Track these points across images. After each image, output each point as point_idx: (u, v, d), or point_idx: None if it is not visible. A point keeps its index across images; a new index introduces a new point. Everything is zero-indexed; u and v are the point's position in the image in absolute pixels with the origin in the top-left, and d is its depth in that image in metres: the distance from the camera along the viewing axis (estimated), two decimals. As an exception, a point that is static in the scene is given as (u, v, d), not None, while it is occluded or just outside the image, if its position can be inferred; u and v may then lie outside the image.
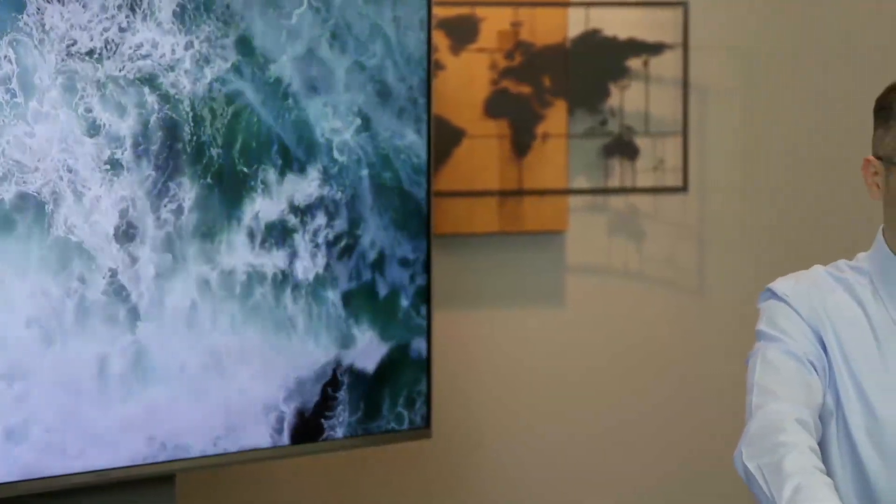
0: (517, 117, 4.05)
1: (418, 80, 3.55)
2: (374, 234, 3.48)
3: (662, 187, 4.16)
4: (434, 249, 3.79)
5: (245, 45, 3.22)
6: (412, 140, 3.55)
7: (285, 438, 3.32)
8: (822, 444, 2.25)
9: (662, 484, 4.21)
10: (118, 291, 3.00)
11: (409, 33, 3.53)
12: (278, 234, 3.29)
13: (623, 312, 4.18)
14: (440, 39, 3.97)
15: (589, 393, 4.18)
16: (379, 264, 3.49)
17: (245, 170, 3.24)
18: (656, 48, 4.13)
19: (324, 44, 3.37)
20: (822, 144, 4.22)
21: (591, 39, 4.10)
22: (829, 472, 2.23)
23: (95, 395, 2.98)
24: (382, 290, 3.50)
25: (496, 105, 4.04)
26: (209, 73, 3.14)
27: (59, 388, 2.93)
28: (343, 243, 3.42)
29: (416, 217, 3.56)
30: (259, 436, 3.28)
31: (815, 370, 2.23)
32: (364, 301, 3.46)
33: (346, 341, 3.42)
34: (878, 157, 2.26)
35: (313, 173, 3.36)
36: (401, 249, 3.55)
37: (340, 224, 3.41)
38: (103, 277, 2.98)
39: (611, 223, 4.17)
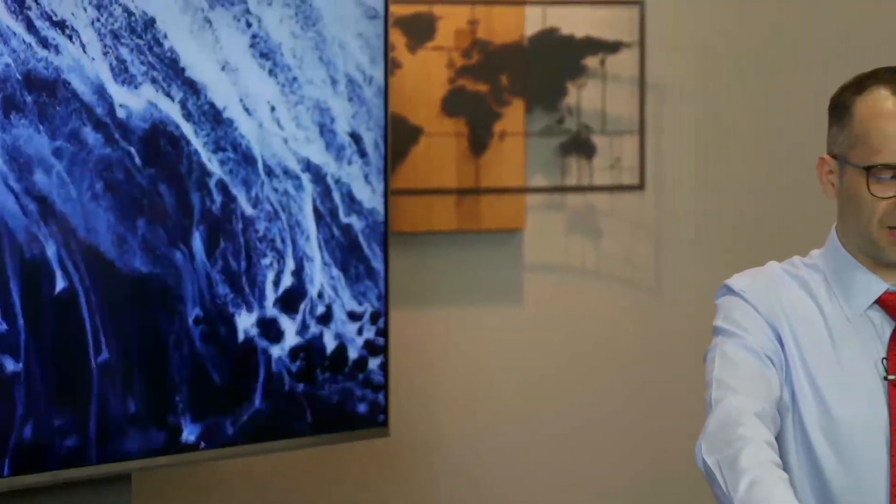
0: (474, 115, 4.05)
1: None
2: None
3: (619, 185, 4.17)
4: (391, 247, 3.79)
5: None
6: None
7: (243, 437, 3.32)
8: (779, 440, 2.26)
9: (621, 481, 4.22)
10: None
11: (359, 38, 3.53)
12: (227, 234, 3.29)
13: (580, 310, 4.19)
14: (397, 37, 3.96)
15: (547, 391, 4.19)
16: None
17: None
18: (613, 47, 4.14)
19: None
20: (778, 143, 4.24)
21: (549, 38, 4.11)
22: (785, 468, 2.25)
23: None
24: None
25: (453, 103, 4.04)
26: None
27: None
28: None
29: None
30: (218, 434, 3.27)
31: (773, 365, 2.24)
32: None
33: (302, 339, 3.42)
34: (833, 156, 2.28)
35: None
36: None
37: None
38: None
39: (568, 221, 4.17)
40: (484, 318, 4.14)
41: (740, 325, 2.27)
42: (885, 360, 2.25)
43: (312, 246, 3.44)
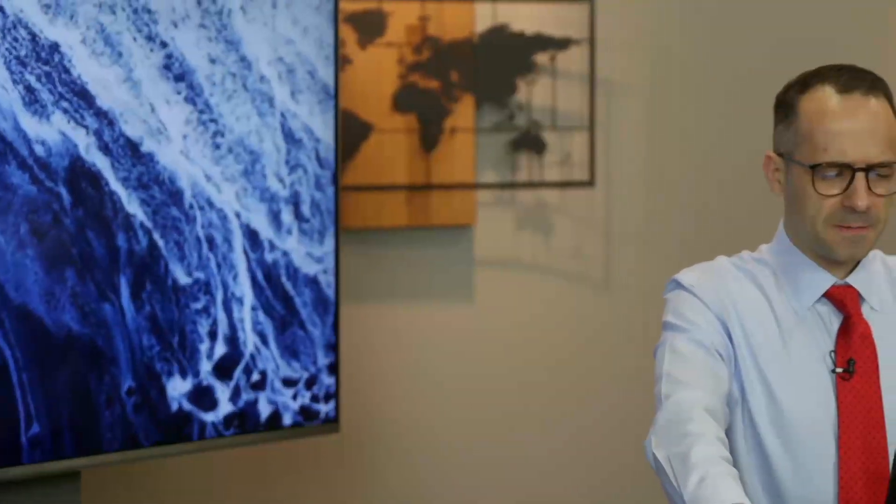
0: (425, 112, 4.05)
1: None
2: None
3: (570, 181, 4.19)
4: (342, 244, 3.78)
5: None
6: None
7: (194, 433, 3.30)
8: (728, 433, 2.27)
9: (571, 474, 4.23)
10: None
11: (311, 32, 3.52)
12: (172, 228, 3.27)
13: (531, 306, 4.20)
14: (348, 34, 3.96)
15: (497, 387, 4.19)
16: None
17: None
18: (563, 43, 4.15)
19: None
20: (726, 139, 4.26)
21: (499, 34, 4.11)
22: (735, 460, 2.26)
23: None
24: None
25: (404, 99, 4.04)
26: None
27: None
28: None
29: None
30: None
31: (722, 359, 2.25)
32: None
33: (258, 339, 3.41)
34: (779, 154, 2.30)
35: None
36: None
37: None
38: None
39: (518, 217, 4.18)
40: (435, 313, 4.14)
41: (689, 320, 2.28)
42: (833, 354, 2.26)
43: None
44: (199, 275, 3.26)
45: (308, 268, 3.52)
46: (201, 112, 3.26)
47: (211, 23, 3.28)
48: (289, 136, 3.45)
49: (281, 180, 3.42)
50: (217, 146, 3.30)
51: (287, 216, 3.45)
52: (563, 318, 4.22)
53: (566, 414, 4.23)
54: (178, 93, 3.21)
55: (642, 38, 4.22)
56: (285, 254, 3.45)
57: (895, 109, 2.26)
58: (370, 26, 3.99)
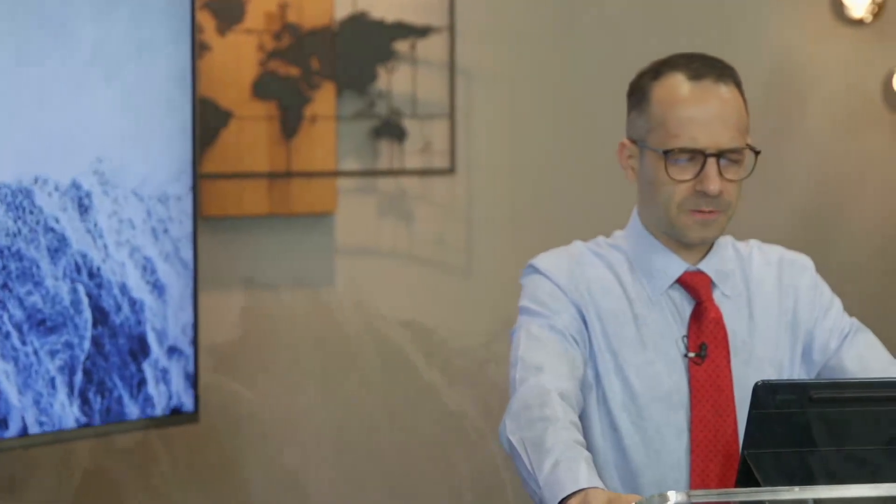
0: (285, 99, 4.03)
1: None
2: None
3: (430, 169, 4.20)
4: (201, 231, 3.76)
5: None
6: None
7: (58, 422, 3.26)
8: (583, 417, 2.29)
9: (430, 460, 4.25)
10: None
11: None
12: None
13: (393, 293, 4.20)
14: (206, 20, 3.93)
15: (360, 374, 4.19)
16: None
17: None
18: (423, 31, 4.16)
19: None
20: (585, 126, 4.30)
21: (359, 21, 4.11)
22: (590, 444, 2.28)
23: None
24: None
25: (264, 86, 4.01)
26: None
27: None
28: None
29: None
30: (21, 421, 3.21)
31: (577, 344, 2.27)
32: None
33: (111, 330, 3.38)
34: (632, 140, 2.33)
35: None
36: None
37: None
38: None
39: (380, 205, 4.18)
40: (296, 301, 4.13)
41: (545, 305, 2.30)
42: (685, 339, 2.30)
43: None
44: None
45: (165, 257, 3.49)
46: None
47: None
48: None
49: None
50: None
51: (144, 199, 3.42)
52: (424, 305, 4.23)
53: (428, 400, 4.24)
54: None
55: (502, 26, 4.24)
56: (140, 244, 3.42)
57: (745, 97, 2.30)
58: (229, 13, 3.96)
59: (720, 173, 2.24)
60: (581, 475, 1.98)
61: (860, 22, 4.40)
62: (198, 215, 3.59)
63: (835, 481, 1.81)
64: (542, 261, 2.36)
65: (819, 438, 1.95)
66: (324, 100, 4.06)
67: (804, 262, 2.43)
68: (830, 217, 4.51)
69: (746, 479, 1.93)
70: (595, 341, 2.30)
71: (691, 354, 2.28)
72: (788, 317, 2.36)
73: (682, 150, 2.24)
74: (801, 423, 1.94)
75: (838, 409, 1.96)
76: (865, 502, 1.84)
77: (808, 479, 1.88)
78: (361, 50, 4.11)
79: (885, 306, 4.54)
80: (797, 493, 1.79)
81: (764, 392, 1.92)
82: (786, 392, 1.95)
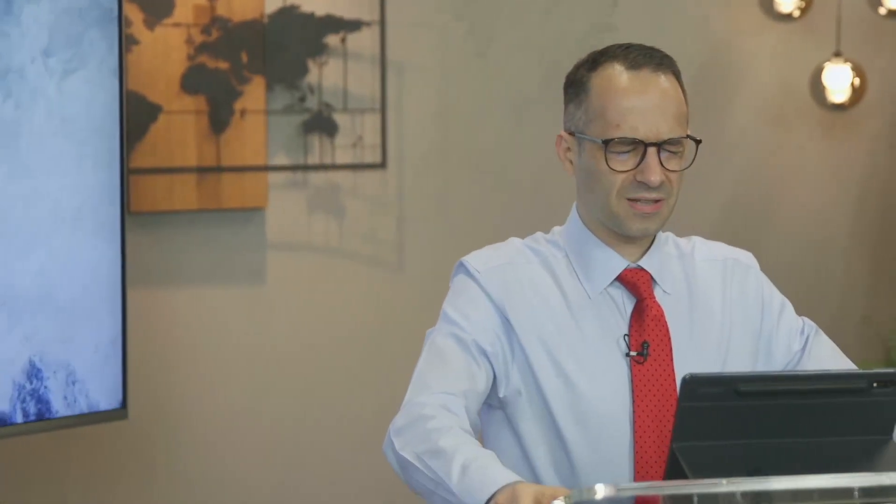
0: (215, 93, 4.00)
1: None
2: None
3: (361, 164, 4.18)
4: (130, 227, 3.72)
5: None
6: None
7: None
8: (515, 421, 2.26)
9: (366, 457, 4.24)
10: None
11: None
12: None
13: (324, 288, 4.19)
14: (134, 13, 3.89)
15: (291, 370, 4.18)
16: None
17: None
18: (354, 25, 4.14)
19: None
20: (518, 119, 4.30)
21: (289, 15, 4.09)
22: (524, 446, 2.25)
23: None
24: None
25: (193, 81, 3.99)
26: None
27: None
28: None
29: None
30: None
31: (486, 357, 2.23)
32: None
33: (38, 327, 3.34)
34: (570, 133, 2.28)
35: None
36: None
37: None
38: None
39: (311, 200, 4.17)
40: (227, 297, 4.11)
41: (462, 313, 2.25)
42: (626, 337, 2.25)
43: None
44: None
45: (94, 253, 3.45)
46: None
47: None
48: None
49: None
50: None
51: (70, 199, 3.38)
52: (355, 300, 4.22)
53: (358, 396, 4.23)
54: None
55: (433, 20, 4.23)
56: (70, 239, 3.38)
57: (683, 87, 2.28)
58: (157, 6, 3.93)
59: (661, 163, 2.22)
60: (499, 472, 1.96)
61: (789, 16, 4.43)
62: (126, 210, 3.55)
63: (762, 474, 1.82)
64: (473, 260, 2.31)
65: (747, 431, 1.95)
66: (254, 94, 4.04)
67: (748, 260, 2.40)
68: (760, 211, 4.54)
69: (675, 472, 1.93)
70: (528, 345, 2.25)
71: (633, 353, 2.25)
72: (734, 317, 2.33)
73: (622, 141, 2.20)
74: (730, 416, 1.95)
75: (766, 402, 1.96)
76: (794, 495, 1.85)
77: (737, 472, 1.89)
78: (292, 44, 4.09)
79: (815, 301, 4.58)
80: (725, 485, 1.79)
81: (692, 385, 1.92)
82: (714, 385, 1.95)
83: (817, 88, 4.44)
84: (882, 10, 4.36)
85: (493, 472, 1.96)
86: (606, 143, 2.21)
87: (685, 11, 4.40)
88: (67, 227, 3.39)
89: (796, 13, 4.41)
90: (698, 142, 2.25)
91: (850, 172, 4.61)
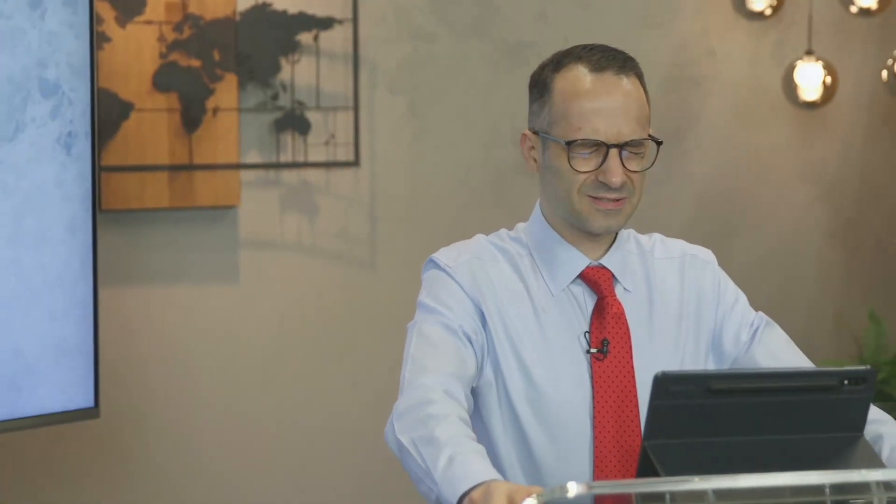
0: (187, 91, 3.99)
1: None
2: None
3: (334, 162, 4.18)
4: (101, 225, 3.71)
5: None
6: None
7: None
8: (485, 413, 2.29)
9: (336, 453, 4.24)
10: None
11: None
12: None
13: (297, 286, 4.18)
14: (105, 11, 3.88)
15: (263, 368, 4.17)
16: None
17: None
18: (326, 23, 4.14)
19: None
20: (489, 117, 4.30)
21: (261, 13, 4.08)
22: (491, 439, 2.28)
23: None
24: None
25: (165, 78, 3.97)
26: None
27: None
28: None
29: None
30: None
31: (471, 343, 2.26)
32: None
33: (9, 325, 3.32)
34: (534, 132, 2.32)
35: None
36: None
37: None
38: None
39: (283, 198, 4.16)
40: (199, 296, 4.10)
41: (442, 302, 2.28)
42: (587, 335, 2.29)
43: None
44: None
45: (66, 250, 3.44)
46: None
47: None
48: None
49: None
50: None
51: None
52: (328, 298, 4.22)
53: (331, 393, 4.23)
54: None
55: (405, 18, 4.23)
56: (41, 236, 3.37)
57: (646, 88, 2.30)
58: (129, 4, 3.92)
59: (622, 164, 2.24)
60: (479, 468, 1.97)
61: (760, 15, 4.44)
62: (98, 209, 3.54)
63: (734, 471, 1.82)
64: (444, 256, 2.35)
65: (719, 429, 1.96)
66: (226, 92, 4.03)
67: (706, 256, 2.43)
68: (733, 209, 4.55)
69: (647, 470, 1.94)
70: (496, 339, 2.29)
71: (593, 350, 2.28)
72: (691, 314, 2.37)
73: (585, 142, 2.25)
74: (702, 414, 1.95)
75: (738, 400, 1.97)
76: (765, 492, 1.86)
77: (708, 470, 1.89)
78: (264, 41, 4.08)
79: (788, 298, 4.59)
80: (697, 483, 1.80)
81: (664, 383, 1.93)
82: (686, 383, 1.96)
83: (789, 87, 4.45)
84: (853, 9, 4.37)
85: (474, 467, 1.97)
86: (569, 144, 2.25)
87: (658, 11, 4.41)
88: (39, 225, 3.37)
89: (768, 11, 4.43)
90: (659, 143, 2.29)
91: (823, 170, 4.62)
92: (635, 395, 2.27)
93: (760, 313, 2.42)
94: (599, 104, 2.25)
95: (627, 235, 2.40)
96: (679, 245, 2.44)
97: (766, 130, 4.56)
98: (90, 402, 3.50)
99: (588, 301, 2.32)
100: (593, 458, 2.26)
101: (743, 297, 2.43)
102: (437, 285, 2.31)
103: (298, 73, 4.12)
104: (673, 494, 1.83)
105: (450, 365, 2.21)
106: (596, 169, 2.25)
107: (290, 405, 4.20)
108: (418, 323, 2.28)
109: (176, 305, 4.08)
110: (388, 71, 4.22)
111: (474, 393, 2.29)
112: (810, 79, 4.41)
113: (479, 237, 2.39)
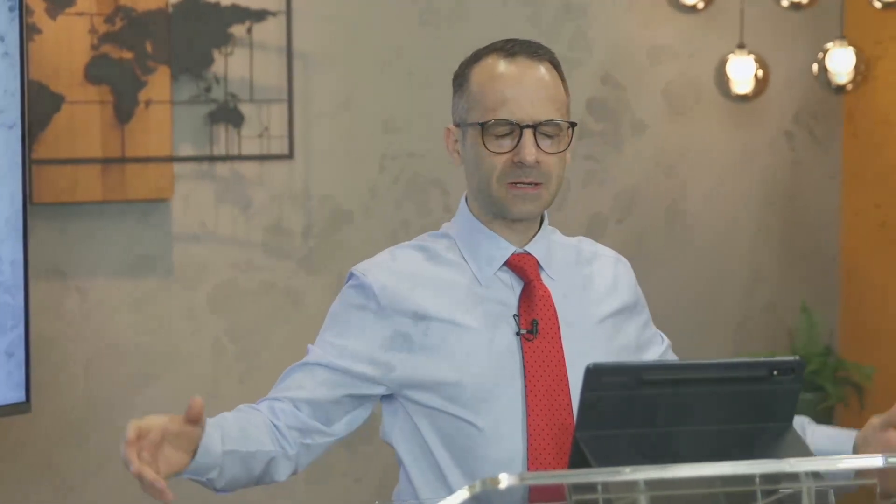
0: (119, 83, 3.96)
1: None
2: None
3: (268, 154, 4.17)
4: (32, 219, 3.68)
5: None
6: None
7: None
8: (410, 411, 2.34)
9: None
10: None
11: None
12: None
13: (231, 279, 4.17)
14: (35, 2, 3.84)
15: (198, 361, 4.16)
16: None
17: None
18: (260, 15, 4.12)
19: None
20: (424, 111, 4.30)
21: (194, 5, 4.05)
22: (422, 438, 2.33)
23: None
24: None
25: (97, 70, 3.94)
26: None
27: None
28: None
29: None
30: None
31: (348, 373, 2.37)
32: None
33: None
34: (456, 125, 2.40)
35: None
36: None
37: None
38: None
39: (217, 191, 4.14)
40: (132, 289, 4.07)
41: (339, 323, 2.40)
42: (516, 317, 2.34)
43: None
44: None
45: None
46: None
47: None
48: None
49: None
50: None
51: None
52: (261, 291, 4.20)
53: (265, 388, 4.21)
54: None
55: (339, 10, 4.22)
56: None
57: (563, 77, 2.36)
58: (60, -5, 3.89)
59: (537, 145, 2.29)
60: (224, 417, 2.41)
61: (693, 8, 4.47)
62: (29, 202, 3.51)
63: (666, 462, 1.84)
64: (360, 266, 2.40)
65: (651, 420, 1.98)
66: (159, 84, 4.01)
67: (626, 262, 2.53)
68: (666, 201, 4.57)
69: (579, 461, 1.95)
70: (420, 336, 2.32)
71: (523, 331, 2.32)
72: (626, 310, 2.44)
73: (498, 122, 2.31)
74: (633, 405, 1.97)
75: (670, 391, 1.99)
76: (696, 482, 1.88)
77: (640, 461, 1.91)
78: (197, 33, 4.06)
79: (721, 289, 4.63)
80: (628, 473, 1.81)
81: (596, 374, 1.95)
82: (618, 374, 1.98)
83: (721, 80, 4.48)
84: (784, 2, 4.41)
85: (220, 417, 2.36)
86: (483, 125, 2.31)
87: (591, 6, 4.42)
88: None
89: (700, 5, 4.46)
90: (573, 124, 2.35)
91: (755, 162, 4.66)
92: (566, 374, 2.31)
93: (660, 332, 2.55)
94: (512, 86, 2.32)
95: (553, 230, 2.47)
96: (607, 248, 2.53)
97: (698, 123, 4.60)
98: (21, 398, 3.47)
99: (516, 287, 2.37)
100: (527, 442, 2.28)
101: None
102: (345, 308, 2.40)
103: (232, 65, 4.10)
104: (605, 485, 1.85)
105: (312, 390, 2.46)
106: (511, 150, 2.30)
107: (222, 399, 4.18)
108: (312, 347, 2.49)
109: (110, 298, 4.05)
110: (321, 62, 4.21)
111: (392, 399, 2.36)
112: (742, 72, 4.44)
113: (401, 246, 2.45)
